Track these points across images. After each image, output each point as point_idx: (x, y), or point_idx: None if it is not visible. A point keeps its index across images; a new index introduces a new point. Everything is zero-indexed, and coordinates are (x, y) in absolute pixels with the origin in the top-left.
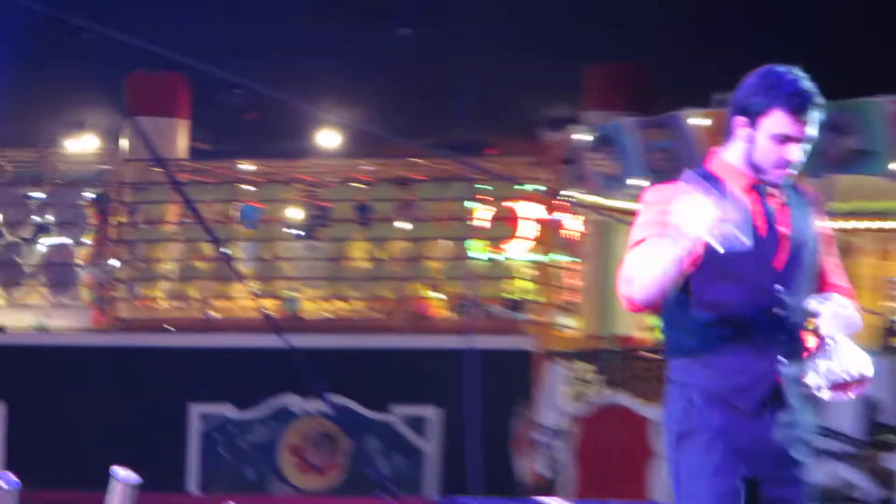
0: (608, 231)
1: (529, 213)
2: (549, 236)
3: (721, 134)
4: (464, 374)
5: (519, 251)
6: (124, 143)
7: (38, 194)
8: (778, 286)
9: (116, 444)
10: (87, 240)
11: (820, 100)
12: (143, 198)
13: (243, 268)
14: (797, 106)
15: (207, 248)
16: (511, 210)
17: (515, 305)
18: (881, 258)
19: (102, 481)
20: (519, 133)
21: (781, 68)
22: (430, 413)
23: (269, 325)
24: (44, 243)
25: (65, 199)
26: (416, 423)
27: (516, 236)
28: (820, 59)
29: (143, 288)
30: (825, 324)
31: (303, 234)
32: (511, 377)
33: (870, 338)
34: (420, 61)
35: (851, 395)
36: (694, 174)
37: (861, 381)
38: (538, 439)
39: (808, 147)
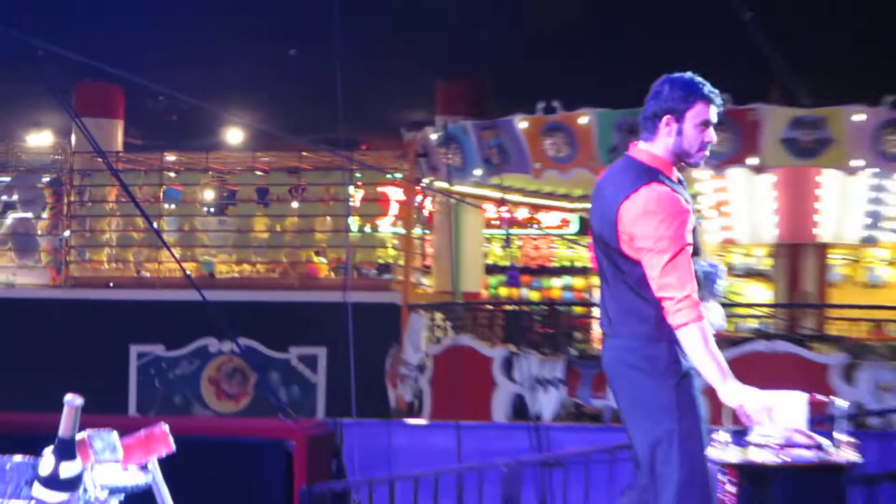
0: (454, 210)
1: (394, 196)
2: (410, 214)
3: (539, 135)
4: (344, 323)
5: (387, 226)
6: (73, 138)
7: (4, 178)
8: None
9: (70, 377)
10: (45, 215)
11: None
12: (89, 182)
13: (169, 237)
14: (712, 98)
15: (140, 222)
16: (381, 193)
17: (385, 268)
18: None
19: (58, 407)
20: (385, 133)
21: (688, 76)
22: (320, 352)
23: (189, 282)
24: (10, 217)
25: (26, 182)
26: (309, 361)
27: (385, 214)
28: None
29: (90, 253)
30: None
31: (215, 211)
32: (383, 325)
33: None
34: (306, 74)
35: None
36: (660, 175)
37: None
38: (405, 373)
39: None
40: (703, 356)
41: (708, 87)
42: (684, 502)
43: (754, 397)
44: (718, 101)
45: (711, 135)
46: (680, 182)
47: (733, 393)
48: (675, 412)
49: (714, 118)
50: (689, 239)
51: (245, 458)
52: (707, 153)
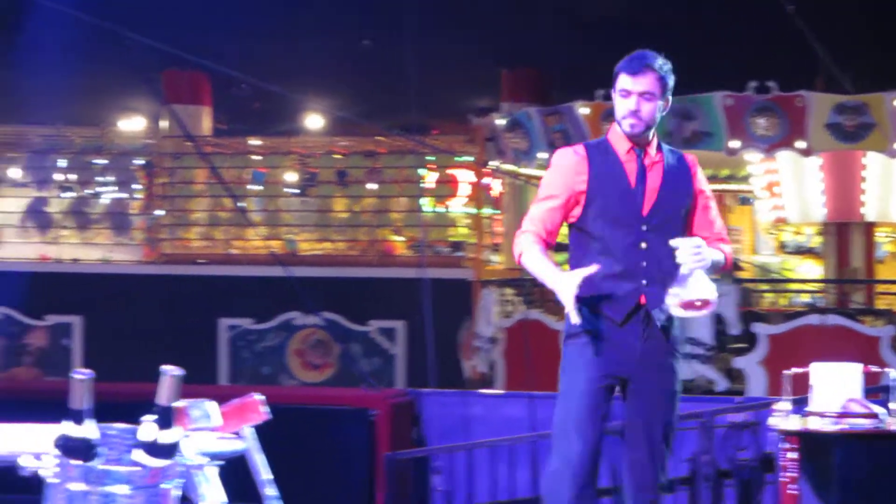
0: (521, 191)
1: (464, 178)
2: (479, 195)
3: (599, 120)
4: (421, 297)
5: (458, 206)
6: (163, 123)
7: (101, 161)
8: (643, 227)
9: (163, 348)
10: (138, 195)
11: (652, 65)
12: (178, 164)
13: (254, 217)
14: (628, 67)
15: (228, 202)
16: (451, 175)
17: (456, 246)
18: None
19: (153, 377)
20: (454, 118)
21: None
22: (398, 326)
23: (275, 259)
24: (106, 197)
25: (120, 165)
26: (388, 333)
27: (456, 195)
28: (675, 61)
29: (181, 231)
30: (682, 258)
31: (297, 192)
32: (456, 299)
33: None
34: (381, 64)
35: (701, 313)
36: (593, 142)
37: (706, 303)
38: (478, 345)
39: (649, 105)
40: (534, 271)
41: (632, 56)
42: (551, 457)
43: (560, 283)
44: (644, 68)
45: (632, 103)
46: (634, 151)
47: (555, 286)
48: (561, 371)
49: (630, 86)
50: (552, 190)
51: (331, 425)
52: (634, 121)
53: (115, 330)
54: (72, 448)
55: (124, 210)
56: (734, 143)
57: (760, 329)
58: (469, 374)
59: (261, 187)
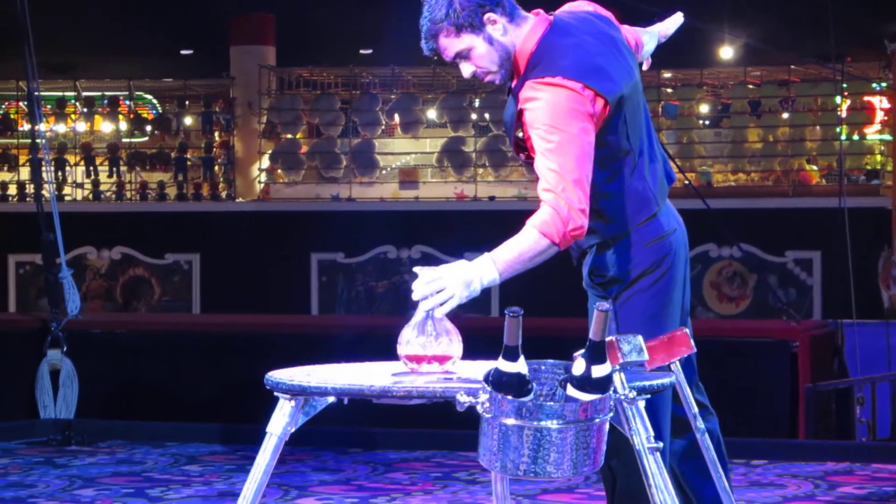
0: None
1: (880, 105)
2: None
3: None
4: (838, 227)
5: (873, 133)
6: None
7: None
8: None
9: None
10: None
11: (431, 32)
12: None
13: (669, 149)
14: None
15: None
16: (867, 102)
17: (873, 174)
18: None
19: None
20: (869, 44)
21: None
22: (814, 256)
23: (693, 191)
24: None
25: None
26: (804, 264)
27: (871, 122)
28: None
29: None
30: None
31: (710, 123)
32: (873, 228)
33: None
34: None
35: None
36: None
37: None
38: None
39: (470, 62)
40: None
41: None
42: None
43: None
44: (425, 46)
45: (463, 70)
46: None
47: None
48: None
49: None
50: None
51: (751, 358)
52: (486, 79)
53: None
54: (505, 384)
55: None
56: None
57: None
58: (889, 303)
59: (674, 120)
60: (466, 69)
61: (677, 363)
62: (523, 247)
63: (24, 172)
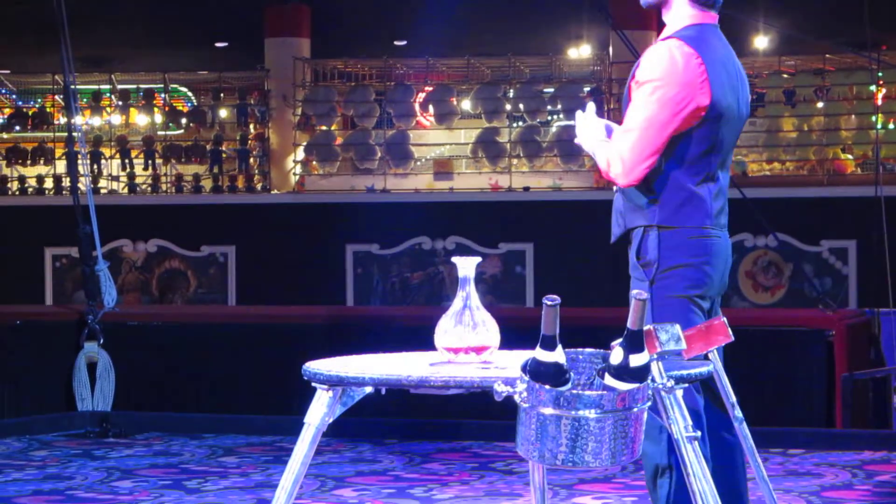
0: None
1: None
2: None
3: None
4: (873, 216)
5: None
6: (610, 50)
7: (549, 89)
8: None
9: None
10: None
11: None
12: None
13: None
14: None
15: None
16: None
17: None
18: None
19: (601, 302)
20: None
21: None
22: (849, 245)
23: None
24: (555, 125)
25: (568, 93)
26: (839, 253)
27: None
28: None
29: None
30: None
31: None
32: None
33: None
34: None
35: None
36: None
37: None
38: None
39: None
40: None
41: None
42: None
43: None
44: None
45: None
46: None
47: None
48: None
49: None
50: None
51: (787, 346)
52: None
53: (561, 256)
54: (542, 373)
55: (572, 138)
56: None
57: None
58: None
59: None
60: None
61: (715, 352)
62: (599, 157)
63: (61, 166)
